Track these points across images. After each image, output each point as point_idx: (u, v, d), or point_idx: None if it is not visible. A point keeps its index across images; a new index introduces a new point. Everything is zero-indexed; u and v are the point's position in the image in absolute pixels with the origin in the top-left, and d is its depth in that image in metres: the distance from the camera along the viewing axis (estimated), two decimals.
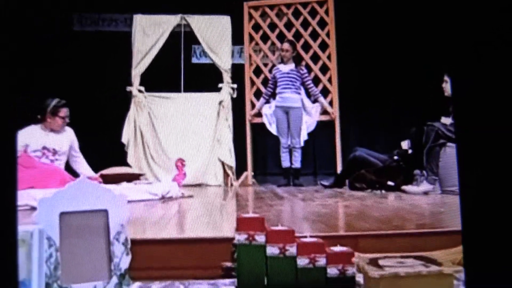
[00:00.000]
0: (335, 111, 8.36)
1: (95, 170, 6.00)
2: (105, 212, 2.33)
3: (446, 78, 5.94)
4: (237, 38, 8.75)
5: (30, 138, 5.65)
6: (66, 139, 5.99)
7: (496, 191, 1.25)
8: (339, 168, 8.03)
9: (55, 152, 5.81)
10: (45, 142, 5.79)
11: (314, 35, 8.67)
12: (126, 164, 7.89)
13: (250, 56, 8.75)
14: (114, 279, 2.31)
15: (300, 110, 7.95)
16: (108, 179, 5.61)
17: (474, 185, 1.28)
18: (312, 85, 8.14)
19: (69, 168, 5.99)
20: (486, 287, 1.28)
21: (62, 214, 2.23)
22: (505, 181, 1.23)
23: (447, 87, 5.94)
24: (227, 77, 8.57)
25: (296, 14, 8.74)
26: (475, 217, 1.29)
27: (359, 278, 2.37)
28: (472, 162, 1.27)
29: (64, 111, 5.91)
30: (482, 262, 1.28)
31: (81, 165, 6.10)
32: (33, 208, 4.26)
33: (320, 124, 8.29)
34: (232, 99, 8.54)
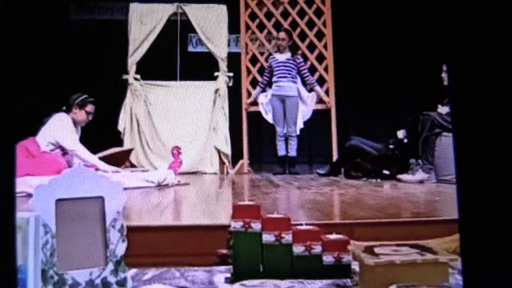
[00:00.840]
0: (331, 100, 8.38)
1: None
2: (101, 199, 2.33)
3: (445, 68, 5.94)
4: (233, 27, 8.76)
5: (73, 129, 5.67)
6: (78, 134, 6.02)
7: (494, 179, 1.25)
8: (334, 157, 8.06)
9: (59, 147, 5.79)
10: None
11: (311, 24, 8.68)
12: None
13: (246, 44, 8.75)
14: (110, 266, 2.31)
15: (296, 99, 7.96)
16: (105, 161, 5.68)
17: (471, 174, 1.28)
18: (308, 74, 8.15)
19: None
20: (483, 276, 1.28)
21: (58, 201, 2.23)
22: (502, 170, 1.24)
23: (446, 77, 5.95)
24: (223, 65, 8.58)
25: (293, 3, 8.75)
26: (472, 205, 1.30)
27: (355, 265, 2.38)
28: (469, 151, 1.28)
29: (91, 107, 5.97)
30: (479, 251, 1.28)
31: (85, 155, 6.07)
32: (29, 195, 4.26)
33: (316, 113, 8.30)
34: (228, 87, 8.56)
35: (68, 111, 5.84)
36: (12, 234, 1.26)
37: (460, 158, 1.29)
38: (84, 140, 6.26)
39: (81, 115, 5.89)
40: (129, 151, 6.43)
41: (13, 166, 1.25)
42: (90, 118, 6.00)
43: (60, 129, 5.56)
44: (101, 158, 5.85)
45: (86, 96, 5.96)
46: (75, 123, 5.86)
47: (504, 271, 1.23)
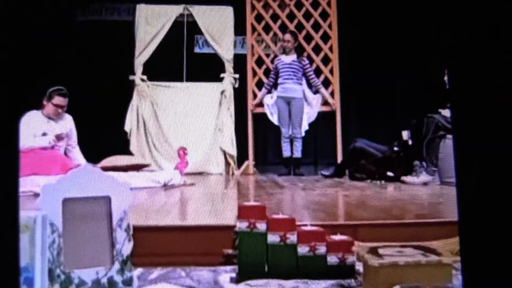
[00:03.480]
0: (336, 102, 8.39)
1: (98, 158, 5.98)
2: (108, 198, 2.35)
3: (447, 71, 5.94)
4: (239, 29, 8.77)
5: (31, 123, 5.59)
6: (64, 127, 5.93)
7: (493, 182, 1.26)
8: (339, 158, 8.07)
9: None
10: (45, 129, 5.74)
11: (316, 27, 8.69)
12: (128, 152, 7.92)
13: (252, 46, 8.76)
14: (116, 265, 2.33)
15: (301, 101, 7.98)
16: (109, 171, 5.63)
17: (470, 176, 1.30)
18: (313, 76, 8.17)
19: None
20: (483, 276, 1.29)
21: (65, 201, 2.24)
22: (501, 173, 1.25)
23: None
24: (229, 67, 8.58)
25: (298, 5, 8.75)
26: (472, 207, 1.31)
27: (359, 266, 2.39)
28: (468, 154, 1.29)
29: (58, 99, 5.81)
30: (479, 252, 1.30)
31: (76, 156, 6.06)
32: (36, 195, 4.29)
33: (321, 114, 8.31)
34: (234, 89, 8.56)
35: (41, 105, 5.82)
36: (15, 235, 1.28)
37: (459, 161, 1.31)
38: (90, 140, 6.29)
39: (49, 107, 5.81)
40: (140, 166, 6.40)
41: (17, 166, 1.26)
42: (60, 110, 5.86)
43: (21, 126, 5.51)
44: (111, 168, 5.80)
45: (56, 88, 5.84)
46: (49, 116, 5.83)
47: (503, 272, 1.25)
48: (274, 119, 8.17)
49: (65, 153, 5.93)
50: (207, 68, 8.55)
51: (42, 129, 5.71)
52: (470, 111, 1.27)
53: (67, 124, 6.00)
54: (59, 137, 5.74)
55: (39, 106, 5.80)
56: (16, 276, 1.30)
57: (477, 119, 1.26)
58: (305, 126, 8.08)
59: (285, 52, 8.12)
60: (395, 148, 6.60)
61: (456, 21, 1.29)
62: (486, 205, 1.27)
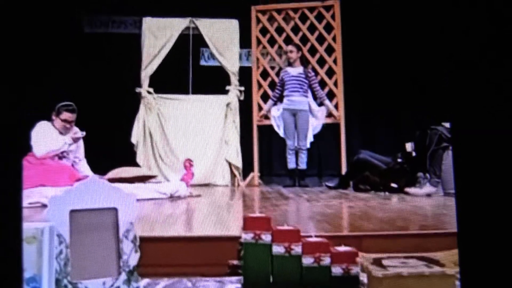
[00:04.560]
0: (340, 114, 8.42)
1: (105, 170, 6.01)
2: (114, 210, 2.37)
3: None
4: (244, 42, 8.80)
5: (43, 132, 5.64)
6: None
7: (492, 192, 1.28)
8: (343, 170, 8.08)
9: (63, 151, 5.82)
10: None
11: (321, 39, 8.73)
12: (135, 164, 7.94)
13: (257, 59, 8.81)
14: (123, 276, 2.35)
15: (307, 113, 8.01)
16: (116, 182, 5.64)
17: (470, 187, 1.32)
18: (318, 88, 8.21)
19: None
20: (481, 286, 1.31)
21: (72, 212, 2.27)
22: (501, 182, 1.26)
23: None
24: (234, 79, 8.62)
25: (303, 18, 8.80)
26: (471, 218, 1.33)
27: (363, 277, 2.40)
28: (468, 164, 1.31)
29: (66, 115, 5.87)
30: (477, 262, 1.31)
31: (83, 168, 6.08)
32: (44, 206, 4.32)
33: (325, 126, 8.34)
34: (240, 101, 8.59)
35: (50, 118, 5.86)
36: (19, 246, 1.29)
37: (458, 171, 1.33)
38: (98, 152, 6.31)
39: (58, 122, 5.85)
40: (147, 177, 6.42)
41: (20, 178, 1.28)
42: (68, 126, 5.90)
43: (33, 135, 5.53)
44: (117, 179, 5.82)
45: (64, 103, 5.90)
46: (58, 130, 5.86)
47: (502, 282, 1.26)
48: (280, 131, 8.20)
49: (72, 166, 5.95)
50: (212, 81, 8.58)
51: (55, 138, 5.75)
52: (468, 123, 1.29)
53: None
54: (75, 139, 5.80)
55: (48, 118, 5.85)
56: (20, 286, 1.32)
57: (475, 130, 1.27)
58: (310, 138, 8.10)
59: (290, 64, 8.16)
60: (399, 160, 6.62)
61: (456, 29, 1.31)
62: (485, 215, 1.29)
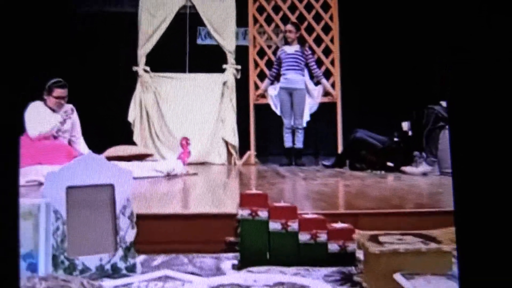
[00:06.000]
0: (337, 93, 8.42)
1: (102, 148, 5.99)
2: (111, 186, 2.37)
3: None
4: (241, 20, 8.76)
5: (36, 112, 5.60)
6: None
7: (489, 171, 1.28)
8: (340, 149, 8.09)
9: (58, 130, 5.79)
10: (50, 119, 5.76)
11: (318, 18, 8.69)
12: (132, 142, 7.94)
13: (254, 38, 8.77)
14: (120, 252, 2.36)
15: (303, 92, 7.98)
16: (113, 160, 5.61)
17: (466, 166, 1.31)
18: (315, 66, 8.17)
19: None
20: (479, 265, 1.31)
21: (69, 188, 2.27)
22: (497, 163, 1.26)
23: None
24: (231, 58, 8.60)
25: None
26: (468, 196, 1.32)
27: (360, 254, 2.41)
28: (464, 143, 1.30)
29: (58, 91, 5.80)
30: (474, 241, 1.31)
31: (80, 146, 6.07)
32: (41, 184, 4.32)
33: (322, 105, 8.32)
34: (236, 80, 8.57)
35: (42, 97, 5.82)
36: (15, 222, 1.28)
37: (455, 151, 1.32)
38: (94, 131, 6.30)
39: (50, 101, 5.78)
40: (144, 156, 6.41)
41: (17, 157, 1.27)
42: (62, 102, 5.84)
43: (26, 116, 5.50)
44: (115, 158, 5.80)
45: (54, 80, 5.83)
46: (52, 109, 5.83)
47: (499, 261, 1.27)
48: (278, 110, 8.18)
49: (70, 144, 5.94)
50: (209, 59, 8.56)
51: (47, 118, 5.72)
52: (465, 101, 1.28)
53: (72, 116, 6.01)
54: (66, 117, 5.78)
55: (41, 98, 5.81)
56: (16, 262, 1.32)
57: (472, 109, 1.27)
58: (307, 117, 8.09)
59: (287, 42, 8.12)
60: (395, 139, 6.63)
61: (455, 18, 1.30)
62: (482, 194, 1.29)
